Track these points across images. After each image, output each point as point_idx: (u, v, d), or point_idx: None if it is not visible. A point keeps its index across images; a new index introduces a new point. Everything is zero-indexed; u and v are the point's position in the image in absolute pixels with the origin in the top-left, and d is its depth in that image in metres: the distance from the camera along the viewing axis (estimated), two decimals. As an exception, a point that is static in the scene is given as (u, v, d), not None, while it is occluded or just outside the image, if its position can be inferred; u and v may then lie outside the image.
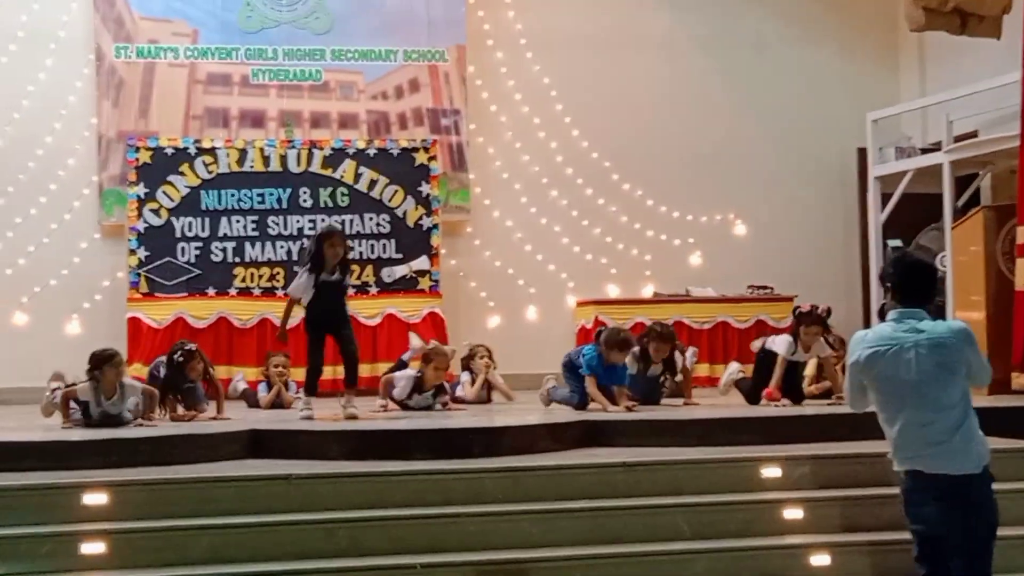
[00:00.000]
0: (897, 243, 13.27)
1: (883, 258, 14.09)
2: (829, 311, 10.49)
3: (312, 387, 9.85)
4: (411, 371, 10.72)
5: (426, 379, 10.51)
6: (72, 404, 9.18)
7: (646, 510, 7.63)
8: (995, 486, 7.91)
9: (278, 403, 11.31)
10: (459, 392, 11.43)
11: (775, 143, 15.13)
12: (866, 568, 7.45)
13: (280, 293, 13.03)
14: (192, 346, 10.19)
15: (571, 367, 10.29)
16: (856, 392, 6.13)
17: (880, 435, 8.68)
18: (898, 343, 5.87)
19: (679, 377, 10.92)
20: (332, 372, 11.79)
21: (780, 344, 10.39)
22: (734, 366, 11.51)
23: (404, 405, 10.52)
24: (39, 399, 12.14)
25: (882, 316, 6.08)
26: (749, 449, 8.41)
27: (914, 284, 6.07)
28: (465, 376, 11.66)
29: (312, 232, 13.68)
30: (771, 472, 7.99)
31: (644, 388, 10.54)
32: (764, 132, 15.15)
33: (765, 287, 14.14)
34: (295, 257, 13.33)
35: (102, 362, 9.18)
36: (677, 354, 10.85)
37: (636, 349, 10.37)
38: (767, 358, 10.48)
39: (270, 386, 11.53)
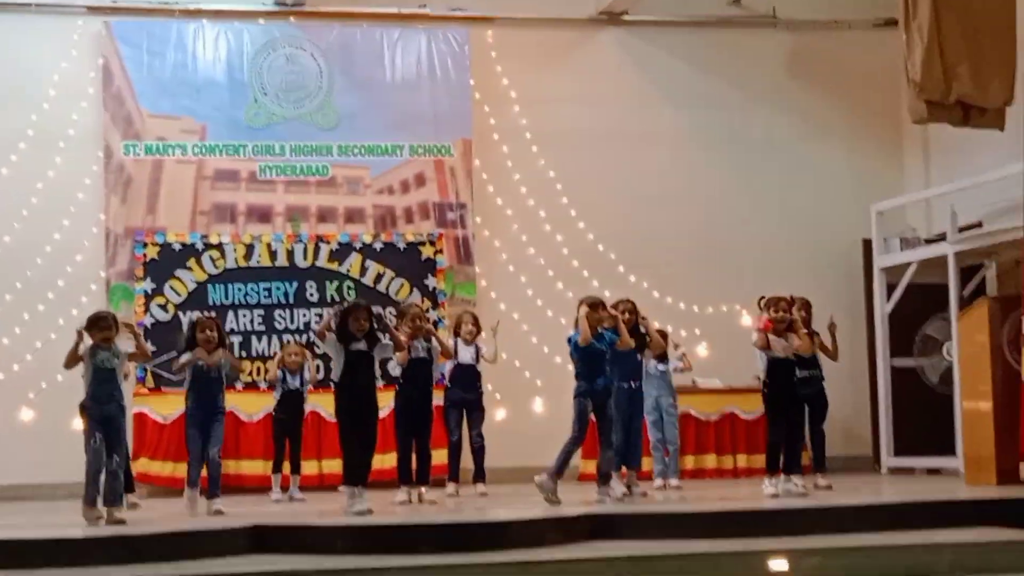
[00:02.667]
0: None
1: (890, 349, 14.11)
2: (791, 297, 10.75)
3: (353, 476, 9.66)
4: None
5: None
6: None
7: (654, 604, 7.58)
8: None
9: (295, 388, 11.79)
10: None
11: (781, 235, 15.20)
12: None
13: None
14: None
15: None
16: None
17: (886, 527, 8.71)
18: None
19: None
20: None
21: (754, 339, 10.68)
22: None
23: None
24: (48, 495, 12.22)
25: None
26: (756, 541, 8.34)
27: None
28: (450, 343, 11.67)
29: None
30: (778, 565, 7.91)
31: (626, 369, 10.64)
32: (770, 224, 15.24)
33: (772, 378, 14.10)
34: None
35: (91, 324, 9.33)
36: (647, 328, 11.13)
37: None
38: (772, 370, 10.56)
39: (286, 374, 11.77)
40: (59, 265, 13.81)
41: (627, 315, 10.65)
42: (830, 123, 15.54)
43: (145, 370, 13.22)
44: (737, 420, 14.11)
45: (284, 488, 11.79)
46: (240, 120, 14.35)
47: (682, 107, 15.36)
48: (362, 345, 9.76)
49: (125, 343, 9.64)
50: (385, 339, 10.15)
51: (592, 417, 10.16)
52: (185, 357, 10.06)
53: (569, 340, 10.24)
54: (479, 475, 11.76)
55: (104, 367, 9.27)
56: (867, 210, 14.63)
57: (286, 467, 11.88)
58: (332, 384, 10.00)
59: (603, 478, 10.16)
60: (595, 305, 10.17)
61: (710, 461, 14.01)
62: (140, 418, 13.09)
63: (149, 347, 12.60)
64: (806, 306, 11.33)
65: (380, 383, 10.30)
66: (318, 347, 13.48)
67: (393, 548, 8.10)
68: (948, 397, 13.11)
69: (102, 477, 9.23)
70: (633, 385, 10.81)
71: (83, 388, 9.35)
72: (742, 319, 14.55)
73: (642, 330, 10.98)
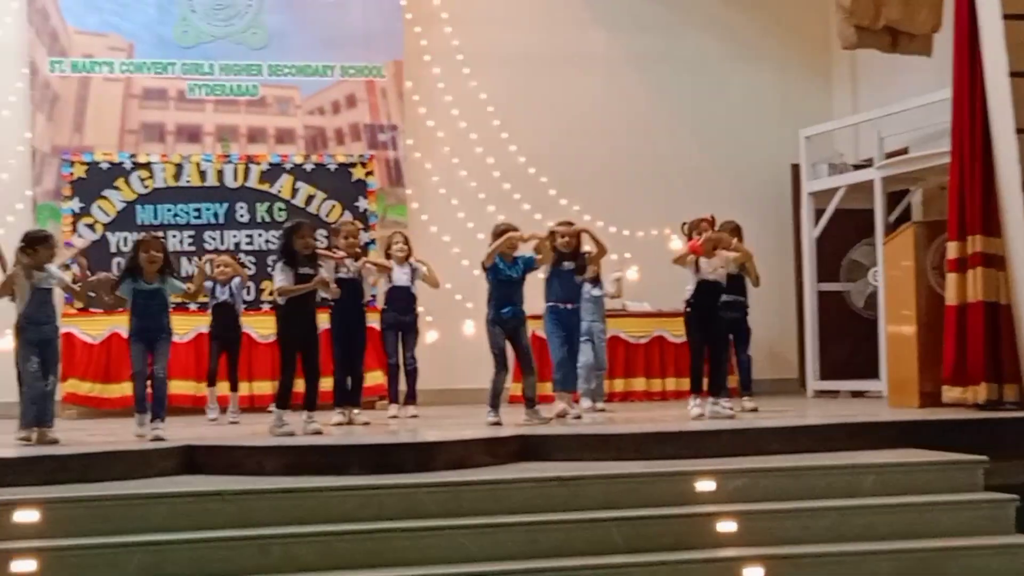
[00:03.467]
0: None
1: (817, 273, 14.27)
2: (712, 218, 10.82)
3: (286, 400, 9.62)
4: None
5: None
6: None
7: (582, 524, 7.65)
8: (926, 498, 8.10)
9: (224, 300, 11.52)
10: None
11: (711, 159, 15.27)
12: (798, 580, 7.53)
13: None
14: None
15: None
16: None
17: (810, 448, 8.86)
18: None
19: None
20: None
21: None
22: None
23: None
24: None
25: None
26: (684, 462, 8.45)
27: None
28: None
29: (251, 247, 13.73)
30: (705, 485, 8.04)
31: (566, 289, 10.71)
32: (700, 148, 15.30)
33: (701, 302, 14.23)
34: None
35: (36, 242, 9.16)
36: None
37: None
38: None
39: (215, 286, 11.56)
40: (-16, 184, 13.63)
41: (567, 238, 10.69)
42: (760, 47, 15.57)
43: (74, 289, 13.11)
44: (666, 344, 14.24)
45: (223, 408, 11.62)
46: (169, 38, 14.15)
47: (614, 29, 15.32)
48: (308, 269, 9.70)
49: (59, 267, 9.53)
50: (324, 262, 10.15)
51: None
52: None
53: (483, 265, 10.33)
54: (411, 397, 11.80)
55: (41, 287, 9.14)
56: (796, 135, 14.72)
57: (223, 386, 11.67)
58: (273, 307, 9.88)
59: (528, 402, 10.27)
60: (505, 232, 10.27)
61: (639, 384, 14.15)
62: (68, 338, 12.95)
63: (76, 269, 12.54)
64: (735, 230, 11.40)
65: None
66: (248, 268, 13.46)
67: (322, 469, 8.12)
68: (873, 321, 13.30)
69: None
70: (570, 307, 10.83)
71: (14, 308, 9.21)
72: (671, 243, 14.63)
73: (586, 249, 11.00)
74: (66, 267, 10.55)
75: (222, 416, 11.54)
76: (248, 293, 13.09)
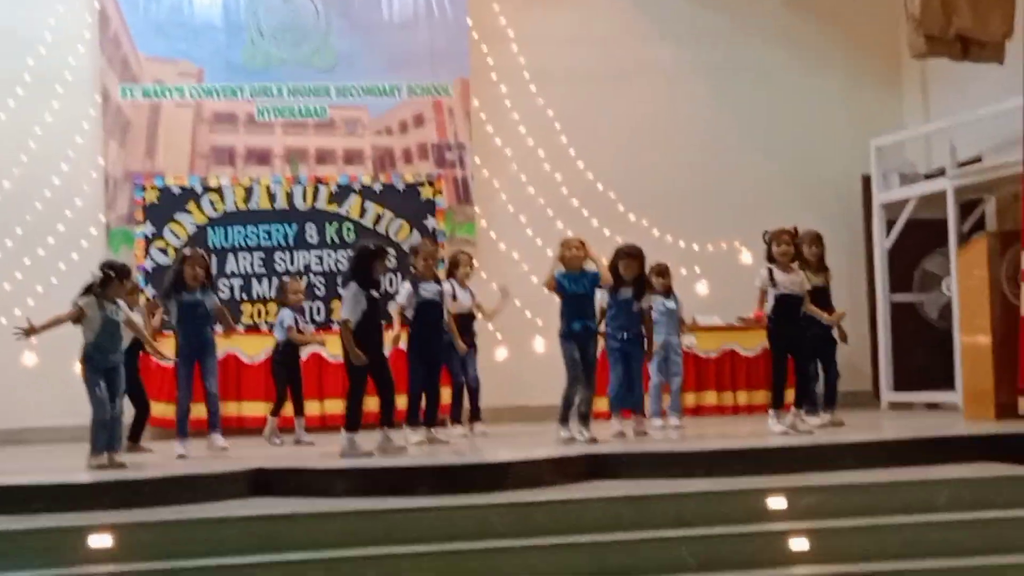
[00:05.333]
0: None
1: (890, 285, 14.12)
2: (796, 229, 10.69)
3: (355, 423, 9.55)
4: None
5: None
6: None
7: (652, 543, 7.62)
8: (1002, 513, 7.97)
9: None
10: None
11: (780, 170, 15.16)
12: (872, 597, 7.44)
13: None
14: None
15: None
16: None
17: (884, 463, 8.76)
18: None
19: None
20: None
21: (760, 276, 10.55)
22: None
23: None
24: (50, 438, 12.34)
25: None
26: (754, 480, 8.40)
27: None
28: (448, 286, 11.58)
29: (320, 268, 13.81)
30: (776, 503, 7.98)
31: (624, 317, 10.64)
32: (769, 159, 15.19)
33: (772, 315, 14.14)
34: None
35: (122, 274, 9.59)
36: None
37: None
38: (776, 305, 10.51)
39: (291, 312, 11.55)
40: (58, 210, 13.80)
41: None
42: (829, 57, 15.46)
43: (146, 314, 13.24)
44: (737, 357, 14.17)
45: (291, 430, 11.53)
46: (237, 62, 14.29)
47: (680, 42, 15.25)
48: (377, 293, 9.78)
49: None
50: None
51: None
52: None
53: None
54: (476, 414, 11.81)
55: (112, 319, 9.37)
56: (866, 145, 14.58)
57: (287, 409, 11.61)
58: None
59: (582, 418, 10.21)
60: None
61: (710, 398, 14.09)
62: (143, 360, 13.04)
63: (150, 292, 12.69)
64: (816, 240, 11.26)
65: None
66: (318, 289, 13.59)
67: (392, 490, 8.15)
68: (947, 332, 13.14)
69: None
70: (627, 336, 10.74)
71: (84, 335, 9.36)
72: (742, 256, 14.58)
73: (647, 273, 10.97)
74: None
75: (285, 437, 11.43)
76: (319, 313, 13.22)
